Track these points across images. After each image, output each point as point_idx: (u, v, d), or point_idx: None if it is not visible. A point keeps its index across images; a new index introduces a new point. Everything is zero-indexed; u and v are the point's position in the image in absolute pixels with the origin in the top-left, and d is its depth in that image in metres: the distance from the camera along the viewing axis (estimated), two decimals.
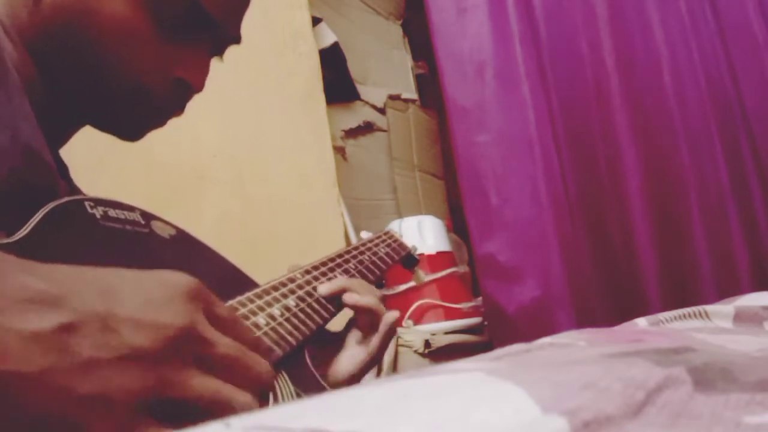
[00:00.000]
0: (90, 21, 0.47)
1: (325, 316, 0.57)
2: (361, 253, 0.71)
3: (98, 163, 1.02)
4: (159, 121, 0.55)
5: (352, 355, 0.61)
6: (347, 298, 0.60)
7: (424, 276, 1.02)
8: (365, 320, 0.62)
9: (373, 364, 0.61)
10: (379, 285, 0.74)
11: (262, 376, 0.36)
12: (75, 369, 0.28)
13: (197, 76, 0.53)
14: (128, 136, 0.55)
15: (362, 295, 0.60)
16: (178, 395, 0.31)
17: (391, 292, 1.42)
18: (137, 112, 0.52)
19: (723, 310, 0.55)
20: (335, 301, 0.59)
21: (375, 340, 0.61)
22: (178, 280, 0.35)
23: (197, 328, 0.33)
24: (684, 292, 1.34)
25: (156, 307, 0.32)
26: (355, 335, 0.62)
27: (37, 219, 0.39)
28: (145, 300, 0.32)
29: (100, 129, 0.54)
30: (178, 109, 0.55)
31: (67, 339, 0.28)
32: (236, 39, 0.57)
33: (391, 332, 0.61)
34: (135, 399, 0.29)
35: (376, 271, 0.71)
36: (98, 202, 0.44)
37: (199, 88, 0.54)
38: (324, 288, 0.59)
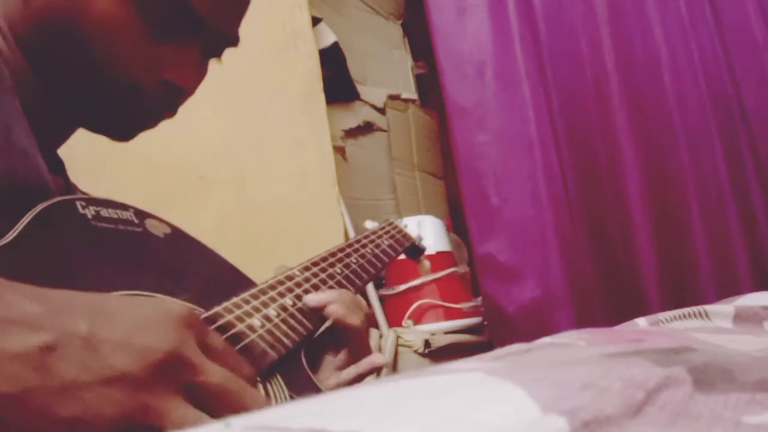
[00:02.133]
0: (78, 19, 0.47)
1: (323, 316, 0.55)
2: (363, 246, 0.69)
3: (99, 164, 1.02)
4: (149, 122, 0.54)
5: (323, 378, 0.56)
6: (331, 310, 0.55)
7: (429, 265, 1.01)
8: (343, 335, 0.56)
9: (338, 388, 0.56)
10: (378, 285, 0.73)
11: (253, 409, 0.34)
12: (55, 391, 0.27)
13: (186, 77, 0.52)
14: (119, 136, 0.54)
15: (348, 312, 0.55)
16: (158, 424, 0.30)
17: (391, 291, 1.42)
18: (127, 111, 0.51)
19: (723, 310, 0.55)
20: (320, 315, 0.55)
21: (352, 370, 0.55)
22: (172, 306, 0.34)
23: (186, 354, 0.32)
24: (683, 292, 1.34)
25: (143, 331, 0.31)
26: (329, 353, 0.57)
27: (27, 220, 0.38)
28: (133, 323, 0.31)
29: (91, 129, 0.54)
30: (168, 110, 0.54)
31: (48, 360, 0.28)
32: (232, 41, 0.56)
33: (370, 372, 0.56)
34: (115, 424, 0.28)
35: (378, 264, 0.68)
36: (90, 201, 0.43)
37: (189, 89, 0.53)
38: (311, 300, 0.54)
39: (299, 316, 0.52)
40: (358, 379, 0.56)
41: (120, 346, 0.30)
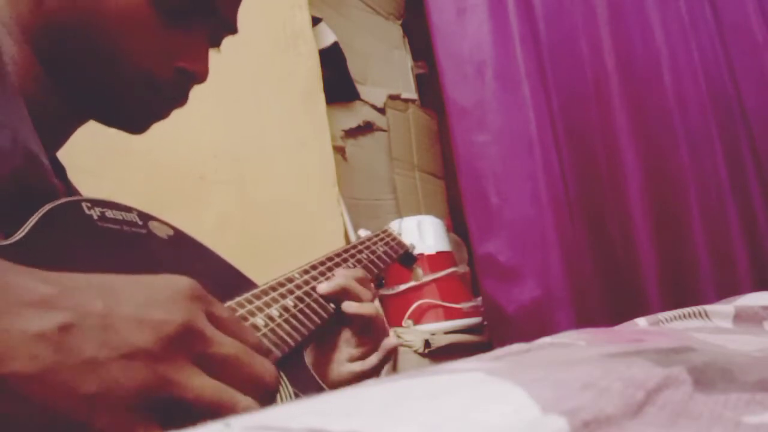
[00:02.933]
0: (95, 14, 0.47)
1: (323, 317, 0.57)
2: (360, 251, 0.71)
3: (99, 164, 1.02)
4: (164, 111, 0.55)
5: (346, 364, 0.61)
6: (347, 307, 0.60)
7: (423, 274, 1.01)
8: (360, 326, 0.62)
9: (366, 378, 0.60)
10: (379, 284, 0.74)
11: (265, 377, 0.36)
12: (76, 368, 0.28)
13: (199, 65, 0.53)
14: (134, 129, 0.55)
15: (362, 296, 0.61)
16: (179, 395, 0.31)
17: (391, 292, 1.42)
18: (144, 102, 0.52)
19: (723, 310, 0.55)
20: (334, 301, 0.59)
21: (373, 359, 0.61)
22: (178, 281, 0.35)
23: (197, 326, 0.33)
24: (684, 291, 1.34)
25: (156, 306, 0.32)
26: (347, 339, 0.62)
27: (34, 221, 0.39)
28: (145, 299, 0.32)
29: (105, 123, 0.54)
30: (181, 98, 0.55)
31: (68, 339, 0.28)
32: (233, 28, 0.57)
33: (389, 356, 0.61)
34: (136, 397, 0.29)
35: (374, 269, 0.70)
36: (95, 203, 0.44)
37: (202, 77, 0.54)
38: (323, 288, 0.59)
39: (300, 316, 0.53)
40: (381, 364, 0.61)
41: (135, 322, 0.31)
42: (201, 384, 0.32)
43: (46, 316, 0.28)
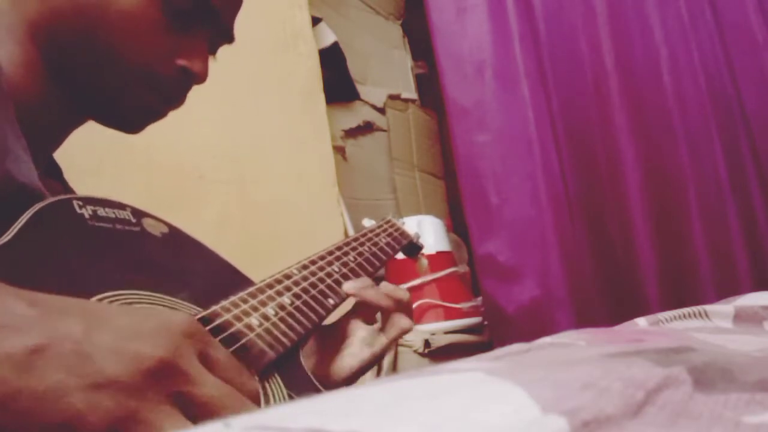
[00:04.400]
0: (101, 11, 0.48)
1: (321, 314, 0.55)
2: (361, 244, 0.69)
3: (98, 165, 1.02)
4: (162, 110, 0.55)
5: (354, 352, 0.59)
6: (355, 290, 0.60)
7: (427, 263, 1.00)
8: (368, 314, 0.61)
9: (375, 362, 0.59)
10: (379, 279, 0.73)
11: None
12: (39, 395, 0.26)
13: (199, 65, 0.54)
14: (130, 128, 0.55)
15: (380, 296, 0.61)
16: None
17: None
18: (143, 101, 0.52)
19: (723, 309, 0.55)
20: (340, 294, 0.59)
21: (382, 339, 0.59)
22: (173, 316, 0.33)
23: (180, 363, 0.31)
24: (683, 291, 1.34)
25: (139, 337, 0.30)
26: (358, 329, 0.60)
27: (24, 221, 0.38)
28: (128, 328, 0.30)
29: (103, 122, 0.54)
30: (179, 98, 0.55)
31: (36, 362, 0.27)
32: (230, 38, 0.58)
33: (400, 334, 0.61)
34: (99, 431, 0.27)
35: (377, 262, 0.68)
36: (87, 201, 0.43)
37: (203, 77, 0.54)
38: (349, 288, 0.59)
39: (297, 314, 0.52)
40: (391, 345, 0.60)
41: (112, 351, 0.29)
42: (172, 425, 0.29)
43: (18, 337, 0.27)
